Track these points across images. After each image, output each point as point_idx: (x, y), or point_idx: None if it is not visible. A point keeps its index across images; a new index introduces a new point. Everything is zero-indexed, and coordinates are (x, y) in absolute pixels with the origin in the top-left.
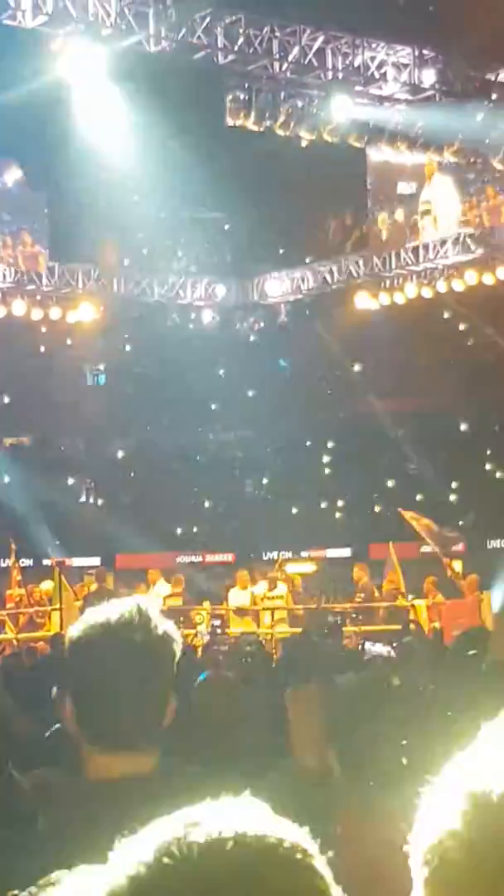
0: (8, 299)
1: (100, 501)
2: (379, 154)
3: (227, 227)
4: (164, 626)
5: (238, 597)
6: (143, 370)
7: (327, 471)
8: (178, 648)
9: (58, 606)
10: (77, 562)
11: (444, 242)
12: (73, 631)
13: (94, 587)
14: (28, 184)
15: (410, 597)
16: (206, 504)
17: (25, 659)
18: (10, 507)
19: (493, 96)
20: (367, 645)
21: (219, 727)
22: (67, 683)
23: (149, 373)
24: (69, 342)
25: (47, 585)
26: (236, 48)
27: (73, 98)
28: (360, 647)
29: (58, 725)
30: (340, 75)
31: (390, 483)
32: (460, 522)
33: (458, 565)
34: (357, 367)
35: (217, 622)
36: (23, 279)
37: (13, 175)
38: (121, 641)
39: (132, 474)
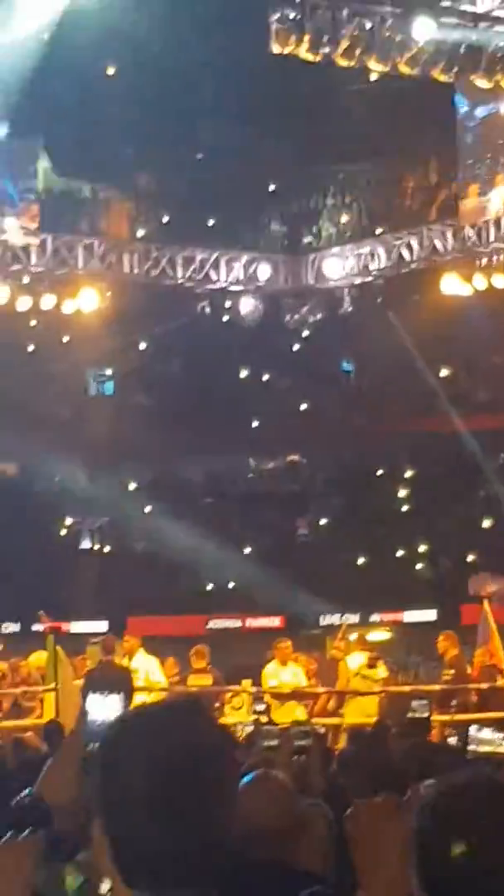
0: None
1: (106, 548)
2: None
3: (272, 186)
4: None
5: (276, 675)
6: (162, 375)
7: (405, 507)
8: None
9: (53, 686)
10: (77, 627)
11: None
12: (106, 734)
13: (100, 660)
14: (16, 133)
15: None
16: (247, 551)
17: (10, 757)
18: None
19: None
20: (473, 730)
21: (270, 845)
22: (96, 806)
23: (170, 379)
24: (66, 339)
25: (39, 658)
26: None
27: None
28: (460, 738)
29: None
30: None
31: (487, 523)
32: None
33: None
34: (443, 373)
35: (261, 706)
36: (6, 257)
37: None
38: (174, 751)
39: (148, 512)
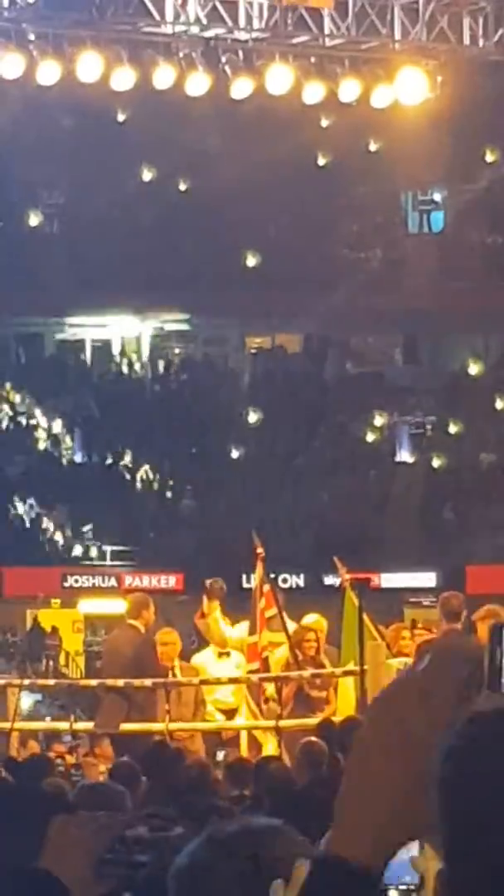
0: None
1: (436, 461)
2: None
3: None
4: None
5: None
6: None
7: None
8: None
9: (354, 667)
10: (391, 580)
11: None
12: (457, 737)
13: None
14: None
15: None
16: None
17: (303, 768)
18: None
19: None
20: None
21: None
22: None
23: None
24: (374, 148)
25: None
26: None
27: None
28: None
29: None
30: None
31: None
32: None
33: None
34: None
35: None
36: (280, 22)
37: None
38: None
39: None
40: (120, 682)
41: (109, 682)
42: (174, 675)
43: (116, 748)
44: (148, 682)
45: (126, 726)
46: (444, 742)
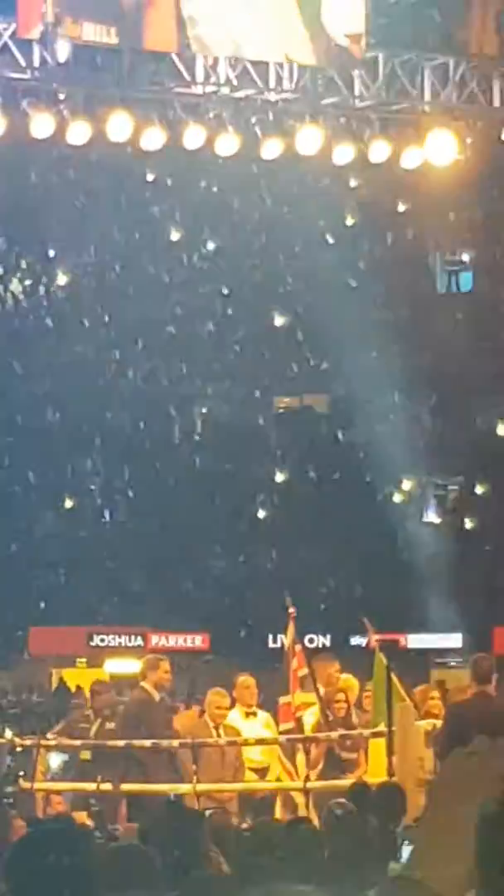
0: None
1: (468, 522)
2: None
3: None
4: None
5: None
6: None
7: None
8: None
9: (383, 728)
10: (419, 641)
11: None
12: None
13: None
14: None
15: None
16: None
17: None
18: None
19: None
20: None
21: None
22: None
23: None
24: (403, 209)
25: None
26: None
27: None
28: None
29: None
30: None
31: None
32: None
33: None
34: None
35: None
36: (313, 83)
37: None
38: None
39: None
40: (147, 743)
41: (136, 742)
42: (219, 736)
43: (127, 809)
44: (175, 742)
45: (138, 787)
46: (484, 807)
